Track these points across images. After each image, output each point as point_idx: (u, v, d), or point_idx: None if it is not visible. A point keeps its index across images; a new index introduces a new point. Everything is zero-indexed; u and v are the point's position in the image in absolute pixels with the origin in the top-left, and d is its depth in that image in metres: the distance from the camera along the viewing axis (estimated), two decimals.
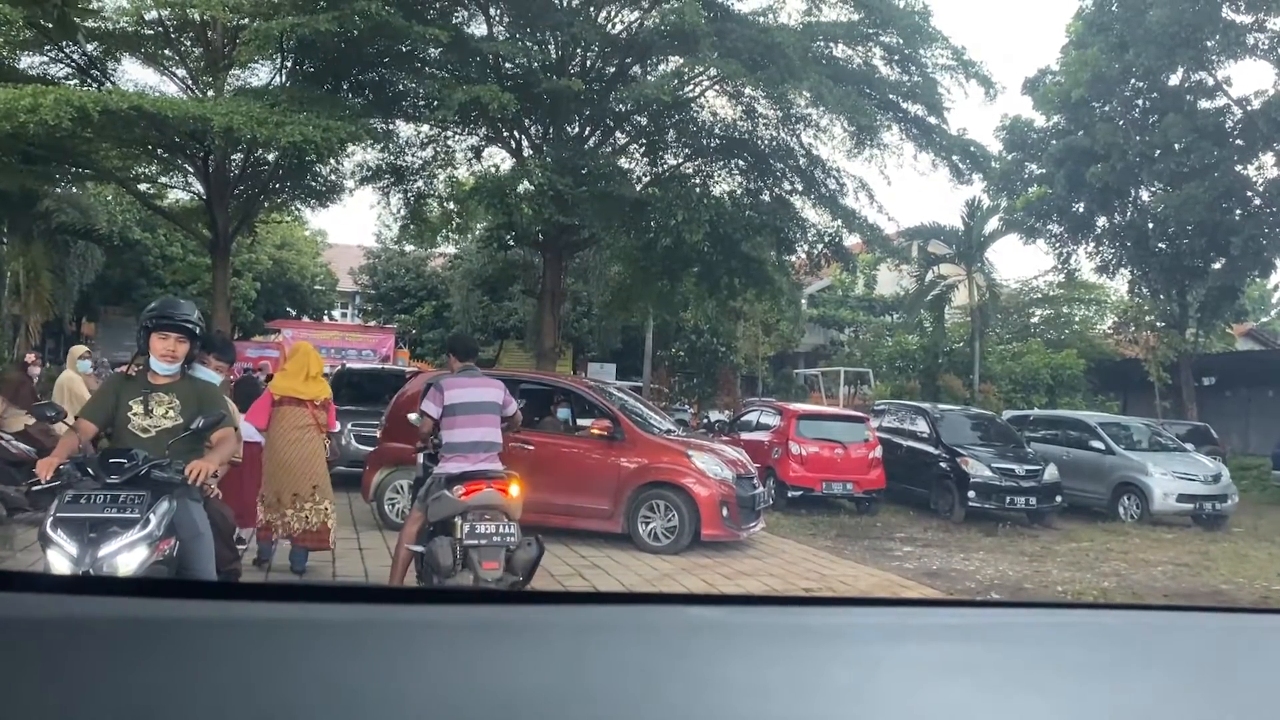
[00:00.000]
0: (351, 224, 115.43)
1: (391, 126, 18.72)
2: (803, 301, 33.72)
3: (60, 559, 4.01)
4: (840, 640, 1.14)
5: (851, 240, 20.55)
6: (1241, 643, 1.34)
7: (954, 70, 18.02)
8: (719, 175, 20.10)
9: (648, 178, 19.54)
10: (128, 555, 4.04)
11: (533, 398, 10.68)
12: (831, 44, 17.73)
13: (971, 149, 18.47)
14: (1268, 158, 25.14)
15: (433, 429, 6.26)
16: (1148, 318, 29.05)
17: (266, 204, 20.53)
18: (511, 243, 19.08)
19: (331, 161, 19.25)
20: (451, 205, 21.38)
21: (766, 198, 19.31)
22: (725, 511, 9.54)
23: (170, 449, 4.38)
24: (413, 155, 20.52)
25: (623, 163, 19.12)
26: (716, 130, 19.33)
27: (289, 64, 16.51)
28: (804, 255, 20.26)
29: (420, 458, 6.72)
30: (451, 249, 35.60)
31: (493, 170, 18.43)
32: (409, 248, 37.37)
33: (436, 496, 6.04)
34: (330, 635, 0.92)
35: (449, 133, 19.75)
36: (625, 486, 9.65)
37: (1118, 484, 15.73)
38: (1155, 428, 18.03)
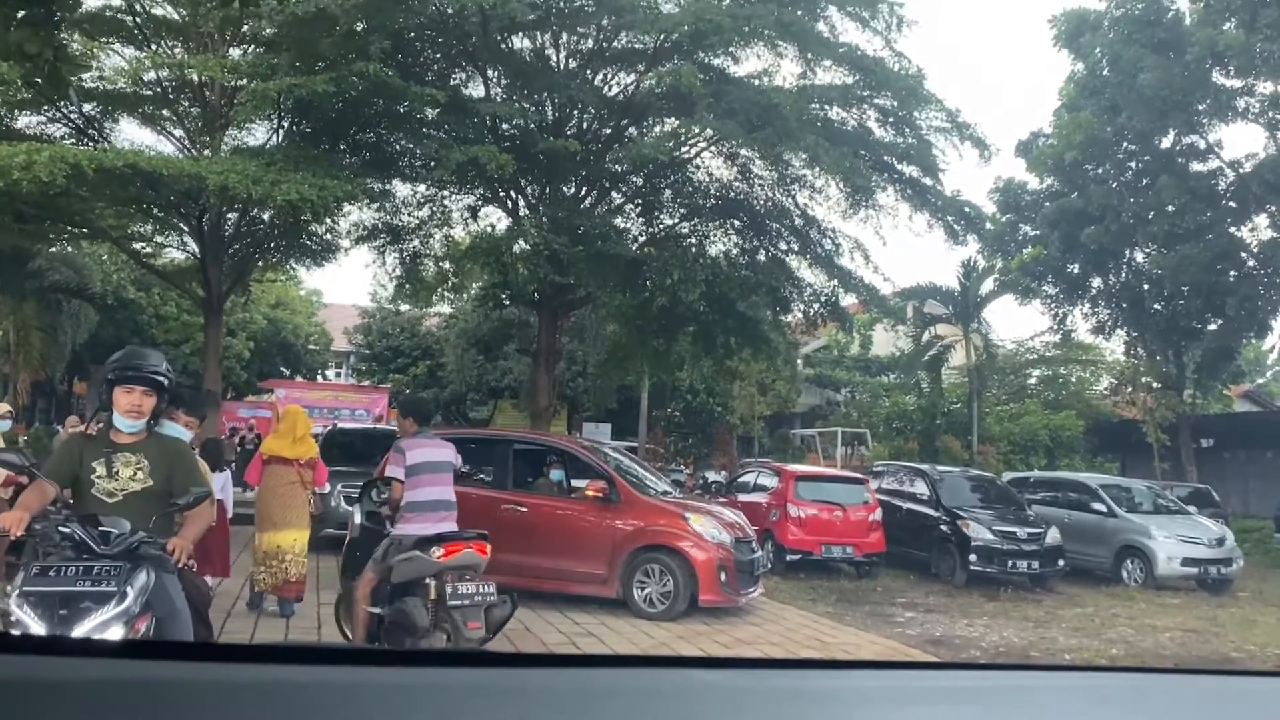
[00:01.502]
0: (347, 284, 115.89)
1: (388, 186, 18.71)
2: (798, 361, 33.64)
3: None
4: (845, 704, 1.12)
5: (848, 301, 20.52)
6: (1246, 706, 1.32)
7: (948, 133, 18.09)
8: (715, 235, 20.08)
9: (644, 237, 19.54)
10: (101, 637, 3.63)
11: (526, 458, 10.49)
12: (826, 107, 17.83)
13: (966, 210, 18.50)
14: (1261, 219, 25.29)
15: (402, 493, 6.32)
16: (1144, 379, 29.01)
17: (261, 263, 20.44)
18: (507, 302, 18.99)
19: (328, 221, 19.27)
20: (447, 265, 21.32)
21: (762, 257, 19.29)
22: (723, 576, 9.29)
23: (155, 525, 4.04)
24: (409, 215, 20.48)
25: (619, 222, 19.10)
26: (713, 191, 19.38)
27: (286, 124, 16.56)
28: (800, 315, 20.20)
29: (357, 518, 6.69)
30: (447, 308, 35.53)
31: (489, 230, 18.41)
32: (404, 307, 37.34)
33: (408, 557, 6.00)
34: (320, 698, 0.90)
35: (446, 192, 19.77)
36: (620, 550, 9.40)
37: (1120, 547, 15.50)
38: (1157, 490, 17.84)
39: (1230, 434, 30.64)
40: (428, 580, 5.87)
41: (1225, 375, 29.99)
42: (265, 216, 17.50)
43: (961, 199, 18.63)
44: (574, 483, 10.34)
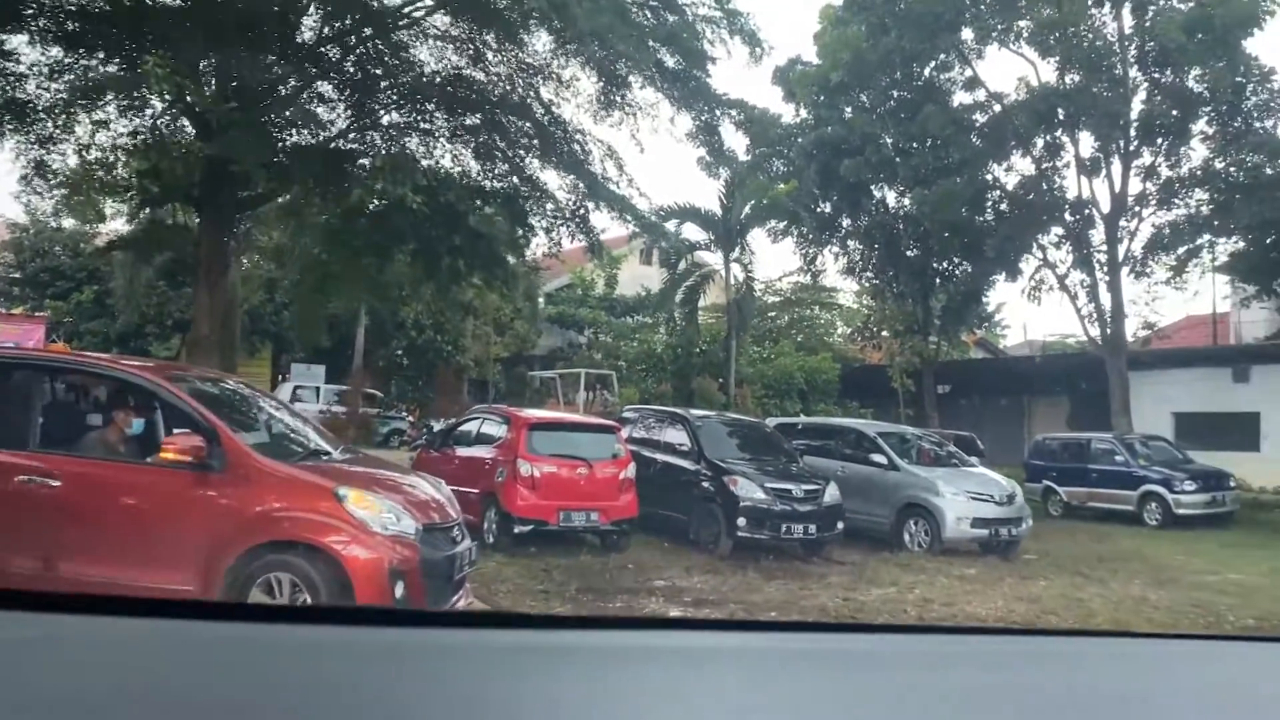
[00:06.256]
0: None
1: None
2: (540, 300, 30.60)
3: None
4: (868, 667, 1.13)
5: (599, 222, 17.45)
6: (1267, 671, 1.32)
7: (716, 24, 15.36)
8: (440, 135, 16.39)
9: (350, 129, 15.59)
10: None
11: (78, 400, 6.51)
12: None
13: (736, 109, 15.88)
14: (1020, 159, 24.44)
15: None
16: (884, 324, 28.26)
17: None
18: (156, 191, 14.49)
19: None
20: (93, 155, 16.36)
21: (499, 159, 15.84)
22: (399, 588, 5.67)
23: None
24: (38, 87, 15.41)
25: (320, 111, 15.09)
26: (438, 80, 15.65)
27: None
28: (543, 234, 16.89)
29: None
30: (124, 225, 29.59)
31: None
32: (68, 222, 30.86)
33: None
34: (332, 657, 0.90)
35: (90, 62, 14.88)
36: (225, 549, 5.44)
37: (903, 505, 13.38)
38: (936, 440, 16.00)
39: (966, 380, 30.73)
40: None
41: (973, 319, 29.66)
42: None
43: (733, 98, 15.94)
44: (163, 439, 6.40)
